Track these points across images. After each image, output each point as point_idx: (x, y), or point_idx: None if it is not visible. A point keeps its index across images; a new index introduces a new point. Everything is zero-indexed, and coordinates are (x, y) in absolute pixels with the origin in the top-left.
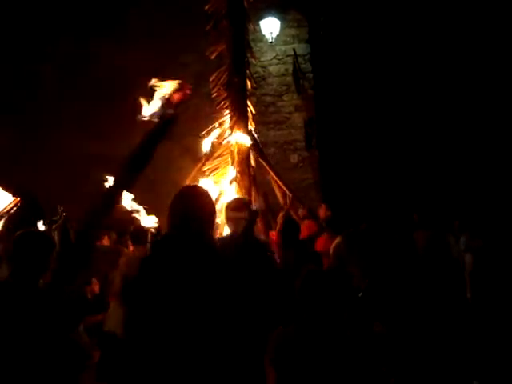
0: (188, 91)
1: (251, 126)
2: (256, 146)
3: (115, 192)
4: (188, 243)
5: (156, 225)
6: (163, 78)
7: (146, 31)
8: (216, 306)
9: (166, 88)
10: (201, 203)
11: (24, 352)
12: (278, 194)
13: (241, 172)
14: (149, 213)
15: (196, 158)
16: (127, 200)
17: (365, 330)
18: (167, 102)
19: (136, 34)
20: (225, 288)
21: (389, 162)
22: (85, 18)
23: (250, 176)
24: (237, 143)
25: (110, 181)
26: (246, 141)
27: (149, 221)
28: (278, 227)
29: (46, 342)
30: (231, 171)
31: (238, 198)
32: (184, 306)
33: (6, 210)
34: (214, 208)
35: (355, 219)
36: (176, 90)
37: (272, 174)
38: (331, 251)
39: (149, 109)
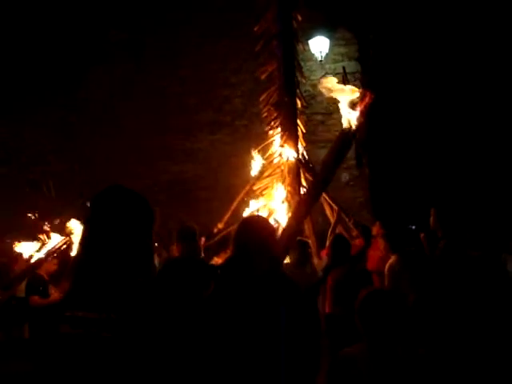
0: (369, 99)
1: (301, 145)
2: (305, 164)
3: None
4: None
5: None
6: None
7: (196, 52)
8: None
9: (349, 95)
10: (265, 237)
11: None
12: (328, 212)
13: (291, 191)
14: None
15: (245, 177)
16: None
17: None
18: (356, 110)
19: (186, 55)
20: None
21: (442, 180)
22: (136, 42)
23: (300, 195)
24: (288, 162)
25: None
26: (292, 154)
27: None
28: (327, 243)
29: None
30: (281, 191)
31: None
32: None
33: (57, 248)
34: (275, 240)
35: (406, 238)
36: (360, 98)
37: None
38: (386, 270)
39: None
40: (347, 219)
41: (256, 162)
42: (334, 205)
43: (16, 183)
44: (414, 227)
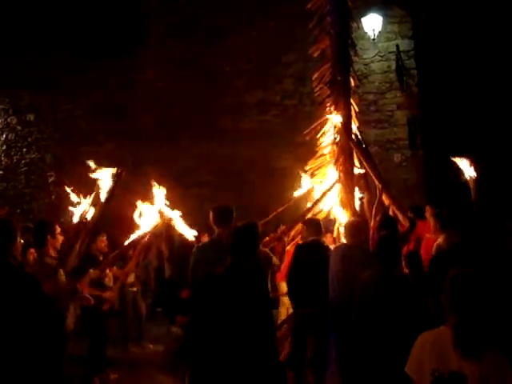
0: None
1: (355, 125)
2: (358, 144)
3: None
4: None
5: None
6: None
7: (246, 31)
8: None
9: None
10: None
11: None
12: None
13: (344, 172)
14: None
15: (296, 158)
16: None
17: None
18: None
19: (236, 34)
20: None
21: (495, 161)
22: (186, 23)
23: (353, 176)
24: (340, 142)
25: None
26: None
27: (188, 232)
28: (372, 223)
29: None
30: (334, 171)
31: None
32: None
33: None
34: None
35: (459, 221)
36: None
37: (367, 167)
38: (433, 250)
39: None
40: (389, 198)
41: (304, 182)
42: (378, 182)
43: (70, 162)
44: None
